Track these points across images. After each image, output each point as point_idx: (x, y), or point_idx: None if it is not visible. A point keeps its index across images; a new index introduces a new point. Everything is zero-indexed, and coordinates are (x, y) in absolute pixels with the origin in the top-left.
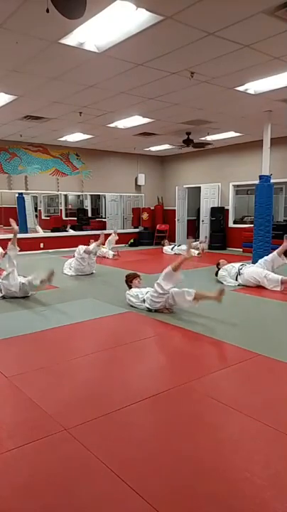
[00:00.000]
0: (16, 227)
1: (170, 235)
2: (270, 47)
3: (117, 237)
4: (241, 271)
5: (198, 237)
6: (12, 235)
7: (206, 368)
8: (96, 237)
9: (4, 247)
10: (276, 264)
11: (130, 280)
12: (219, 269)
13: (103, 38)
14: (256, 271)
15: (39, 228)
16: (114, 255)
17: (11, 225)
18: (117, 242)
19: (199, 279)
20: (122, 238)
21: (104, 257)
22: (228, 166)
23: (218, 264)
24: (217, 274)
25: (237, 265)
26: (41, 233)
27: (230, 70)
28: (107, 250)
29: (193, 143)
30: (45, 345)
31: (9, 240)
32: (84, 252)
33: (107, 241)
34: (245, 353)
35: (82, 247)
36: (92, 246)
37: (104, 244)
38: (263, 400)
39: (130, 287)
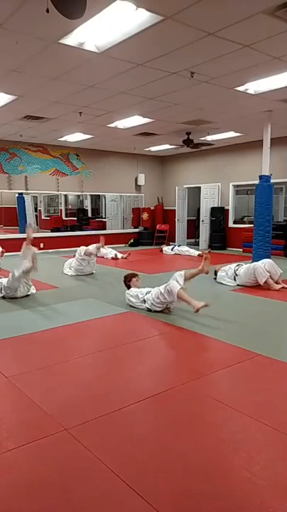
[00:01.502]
0: (31, 236)
1: (170, 235)
2: (270, 47)
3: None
4: (237, 272)
5: (198, 237)
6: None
7: (206, 368)
8: (96, 238)
9: (4, 247)
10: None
11: (128, 280)
12: (216, 275)
13: (103, 38)
14: (246, 272)
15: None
16: (122, 257)
17: (26, 232)
18: (117, 242)
19: (198, 279)
20: (122, 238)
21: (103, 257)
22: (228, 166)
23: (215, 272)
24: (215, 276)
25: (233, 266)
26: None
27: (230, 70)
28: (107, 251)
29: (193, 143)
30: (45, 345)
31: (10, 240)
32: (85, 254)
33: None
34: (245, 353)
35: (82, 248)
36: (92, 247)
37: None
38: (263, 400)
39: (129, 287)
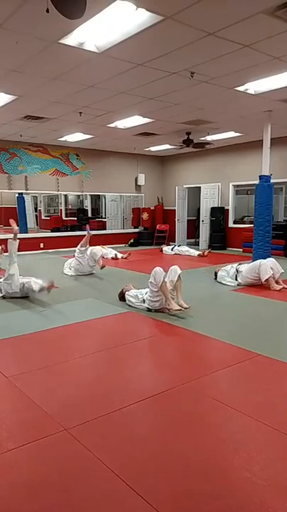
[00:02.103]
0: (16, 228)
1: (170, 235)
2: (270, 47)
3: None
4: (240, 268)
5: (198, 237)
6: (12, 235)
7: (206, 368)
8: (97, 238)
9: (4, 247)
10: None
11: (122, 294)
12: (216, 275)
13: (103, 38)
14: (251, 267)
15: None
16: (122, 257)
17: (10, 225)
18: (117, 242)
19: (198, 279)
20: (122, 238)
21: (103, 257)
22: (228, 166)
23: (215, 274)
24: (215, 277)
25: (235, 265)
26: None
27: (230, 70)
28: (107, 251)
29: (193, 143)
30: (45, 345)
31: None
32: (81, 246)
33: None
34: (245, 353)
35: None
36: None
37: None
38: (263, 399)
39: (124, 297)
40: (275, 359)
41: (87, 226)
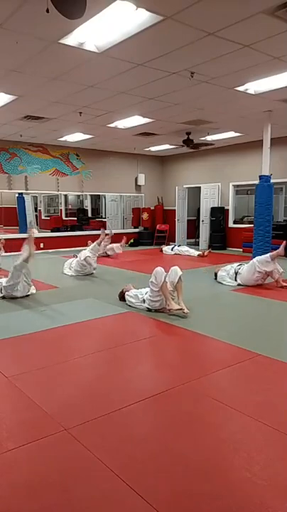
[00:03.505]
0: (34, 252)
1: (170, 235)
2: (270, 47)
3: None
4: (239, 271)
5: (198, 237)
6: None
7: (206, 368)
8: (97, 238)
9: (4, 247)
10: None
11: (121, 294)
12: (216, 275)
13: (103, 38)
14: (249, 268)
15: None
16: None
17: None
18: (117, 242)
19: (198, 279)
20: (122, 238)
21: (107, 253)
22: (228, 166)
23: (215, 273)
24: (215, 277)
25: (235, 265)
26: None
27: (230, 70)
28: (112, 246)
29: (193, 143)
30: (45, 345)
31: (10, 240)
32: (85, 260)
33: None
34: (245, 353)
35: (83, 253)
36: (90, 252)
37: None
38: (263, 399)
39: (124, 297)
40: (275, 359)
41: (102, 228)
